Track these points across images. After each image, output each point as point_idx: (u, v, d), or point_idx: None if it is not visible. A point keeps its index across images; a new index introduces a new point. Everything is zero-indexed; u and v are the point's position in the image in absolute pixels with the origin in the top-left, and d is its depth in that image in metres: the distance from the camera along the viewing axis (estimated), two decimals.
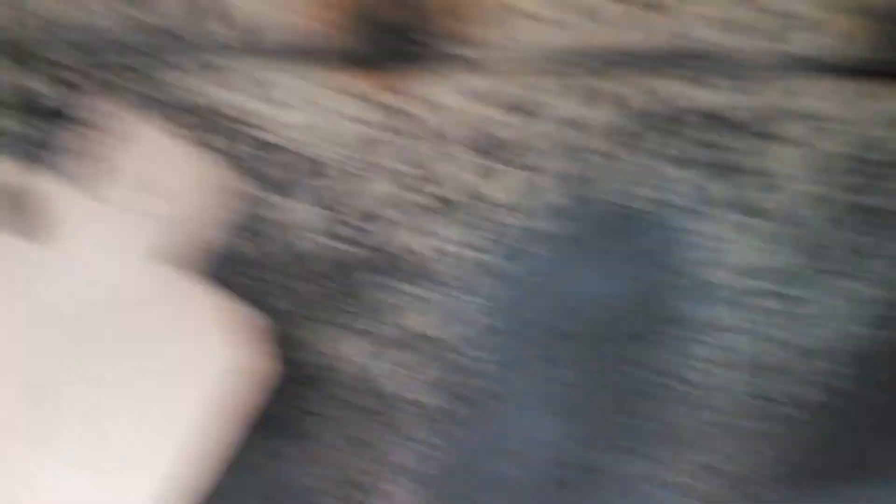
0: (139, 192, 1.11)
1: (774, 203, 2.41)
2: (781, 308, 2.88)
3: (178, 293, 1.13)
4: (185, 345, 1.15)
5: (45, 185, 1.17)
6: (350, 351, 1.45)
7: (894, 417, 3.62)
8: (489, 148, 1.95)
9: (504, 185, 2.06)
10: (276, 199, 1.42)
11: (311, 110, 1.70)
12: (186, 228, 1.19)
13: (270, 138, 1.54)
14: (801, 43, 1.76)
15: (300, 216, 1.38)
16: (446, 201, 2.02)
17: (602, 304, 2.49)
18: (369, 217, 1.44)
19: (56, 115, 1.50)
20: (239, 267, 1.73)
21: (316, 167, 1.60)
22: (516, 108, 1.87)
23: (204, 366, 1.15)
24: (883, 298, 2.90)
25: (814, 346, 3.06)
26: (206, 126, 1.47)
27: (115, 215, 1.09)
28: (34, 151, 1.50)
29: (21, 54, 1.37)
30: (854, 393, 3.41)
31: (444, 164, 1.97)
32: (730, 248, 2.48)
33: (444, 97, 1.79)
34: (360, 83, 1.70)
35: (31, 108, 1.46)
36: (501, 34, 1.72)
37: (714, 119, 2.25)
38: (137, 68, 1.52)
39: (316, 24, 1.58)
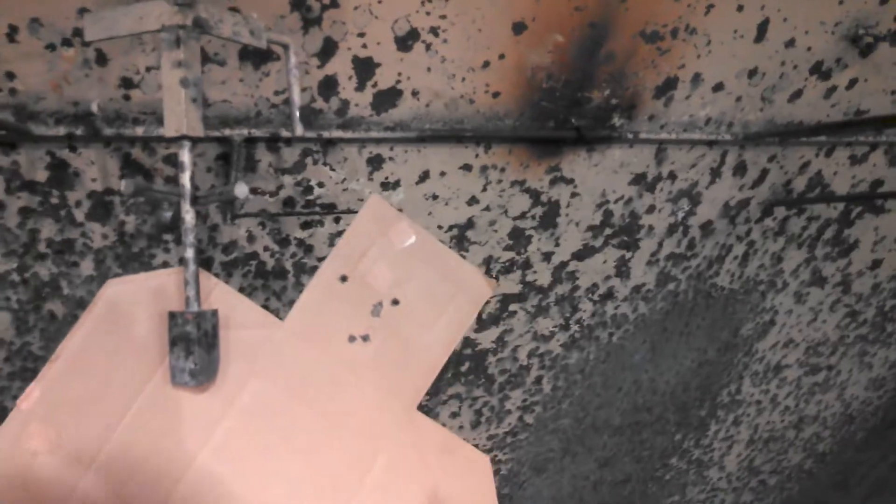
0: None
1: (838, 272, 2.43)
2: (811, 379, 2.91)
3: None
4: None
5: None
6: None
7: (862, 473, 3.65)
8: (598, 228, 2.01)
9: (595, 269, 2.12)
10: None
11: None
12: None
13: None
14: None
15: None
16: (535, 287, 2.07)
17: (660, 389, 2.50)
18: None
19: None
20: None
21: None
22: (640, 181, 1.93)
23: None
24: (894, 361, 2.91)
25: (812, 413, 3.11)
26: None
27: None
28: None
29: None
30: (832, 454, 3.45)
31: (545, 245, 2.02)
32: (785, 320, 2.50)
33: (585, 175, 1.85)
34: (525, 165, 1.78)
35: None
36: (659, 109, 1.81)
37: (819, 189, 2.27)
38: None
39: (494, 105, 1.67)
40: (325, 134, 1.63)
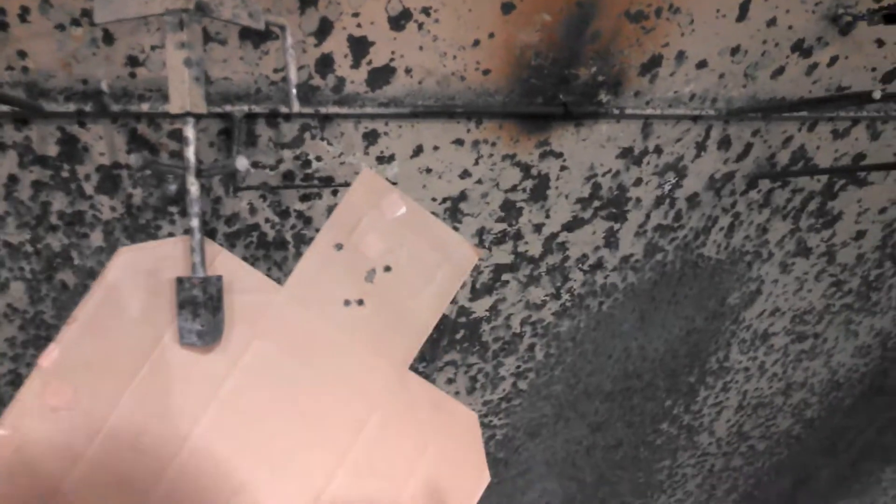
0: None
1: (822, 243, 2.51)
2: (798, 347, 3.00)
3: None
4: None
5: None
6: None
7: (850, 438, 3.78)
8: (587, 201, 2.08)
9: (584, 239, 2.20)
10: None
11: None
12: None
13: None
14: None
15: None
16: (526, 257, 2.14)
17: (649, 356, 2.58)
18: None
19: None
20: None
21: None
22: (627, 155, 2.01)
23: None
24: (879, 329, 3.01)
25: (799, 380, 3.21)
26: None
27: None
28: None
29: None
30: (823, 420, 3.56)
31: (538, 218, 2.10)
32: (771, 289, 2.58)
33: (573, 150, 1.93)
34: (515, 139, 1.85)
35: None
36: (646, 85, 1.88)
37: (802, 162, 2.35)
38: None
39: (484, 82, 1.73)
40: (322, 110, 1.70)
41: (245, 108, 1.65)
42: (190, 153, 1.08)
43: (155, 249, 1.10)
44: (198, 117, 1.08)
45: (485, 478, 1.24)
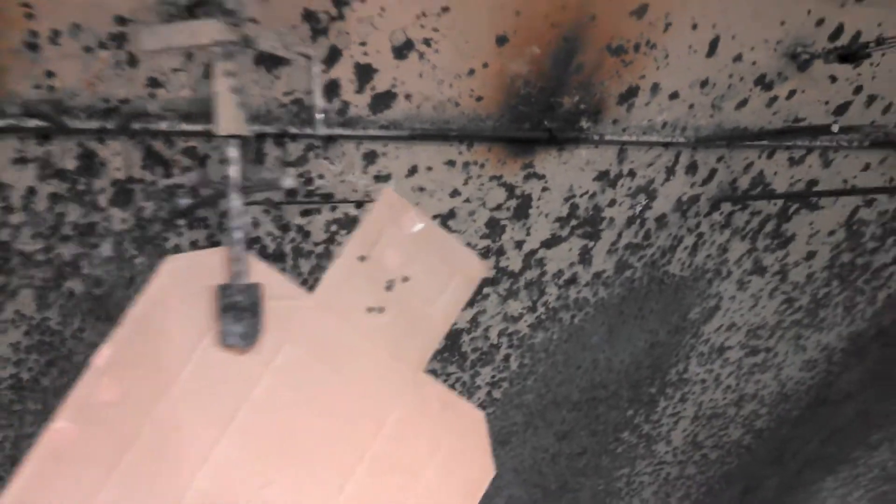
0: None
1: (776, 262, 2.69)
2: (750, 360, 3.20)
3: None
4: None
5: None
6: None
7: (795, 449, 4.03)
8: (565, 220, 2.22)
9: (561, 256, 2.33)
10: None
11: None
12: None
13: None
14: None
15: None
16: (507, 272, 2.27)
17: (615, 368, 2.74)
18: None
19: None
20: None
21: None
22: (604, 178, 2.16)
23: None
24: (827, 345, 3.23)
25: (751, 392, 3.42)
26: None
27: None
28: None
29: None
30: (771, 431, 3.79)
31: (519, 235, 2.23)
32: (729, 305, 2.77)
33: (555, 172, 2.07)
34: (503, 163, 1.98)
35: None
36: (625, 113, 2.03)
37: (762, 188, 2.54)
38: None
39: (477, 108, 1.85)
40: (328, 132, 1.82)
41: (256, 128, 1.75)
42: (235, 171, 1.19)
43: (198, 258, 1.20)
44: (242, 139, 1.19)
45: (490, 470, 1.36)
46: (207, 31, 1.18)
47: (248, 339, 1.16)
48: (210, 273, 1.21)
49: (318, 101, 1.39)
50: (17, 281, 1.81)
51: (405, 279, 1.31)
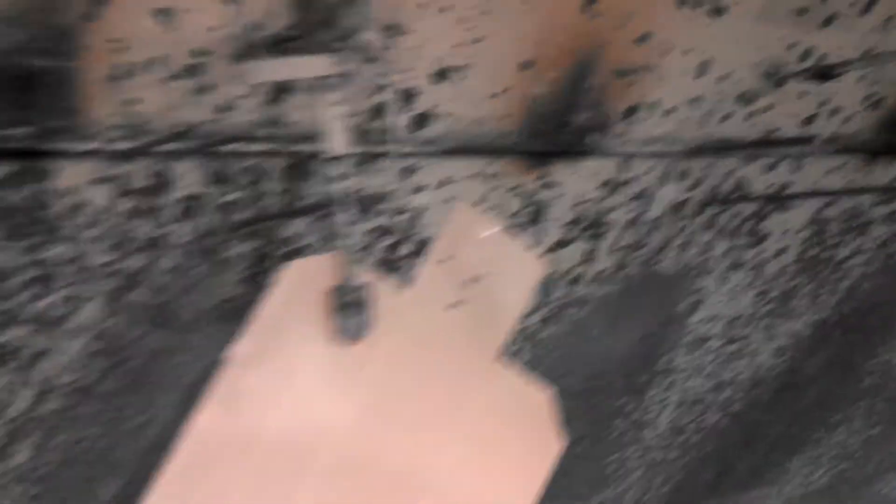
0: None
1: (753, 258, 2.96)
2: (728, 349, 3.50)
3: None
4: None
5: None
6: None
7: (771, 432, 4.43)
8: (573, 224, 2.44)
9: (568, 257, 2.55)
10: None
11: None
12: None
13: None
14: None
15: None
16: None
17: (611, 359, 2.97)
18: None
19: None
20: None
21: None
22: (607, 186, 2.39)
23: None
24: (795, 332, 3.56)
25: (728, 378, 3.73)
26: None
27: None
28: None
29: None
30: (744, 414, 4.13)
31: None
32: (711, 298, 3.04)
33: (566, 181, 2.29)
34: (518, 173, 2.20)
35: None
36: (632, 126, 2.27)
37: (745, 191, 2.82)
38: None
39: (497, 122, 2.06)
40: (372, 149, 2.02)
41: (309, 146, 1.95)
42: (342, 187, 1.39)
43: (315, 262, 1.40)
44: (350, 158, 1.39)
45: (558, 444, 1.58)
46: (316, 66, 1.37)
47: (361, 332, 1.36)
48: (326, 275, 1.40)
49: (390, 122, 1.60)
50: (87, 292, 1.97)
51: (479, 278, 1.52)
